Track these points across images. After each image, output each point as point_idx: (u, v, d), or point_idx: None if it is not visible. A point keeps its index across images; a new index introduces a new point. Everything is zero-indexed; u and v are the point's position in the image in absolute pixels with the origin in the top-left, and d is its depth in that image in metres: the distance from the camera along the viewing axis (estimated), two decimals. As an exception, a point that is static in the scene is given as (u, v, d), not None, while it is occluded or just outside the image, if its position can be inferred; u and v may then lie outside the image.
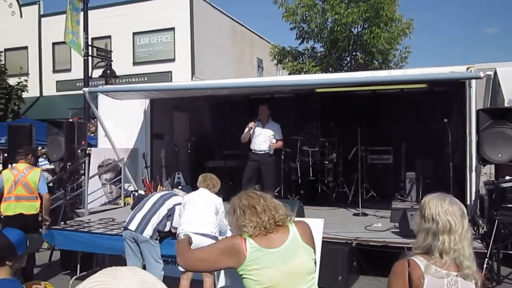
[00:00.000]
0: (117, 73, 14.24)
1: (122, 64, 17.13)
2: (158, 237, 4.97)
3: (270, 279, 2.12)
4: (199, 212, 4.75)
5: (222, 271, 2.84)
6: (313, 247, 2.25)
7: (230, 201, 2.38)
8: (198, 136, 10.30)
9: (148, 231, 4.85)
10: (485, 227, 5.87)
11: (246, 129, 7.60)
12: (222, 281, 2.96)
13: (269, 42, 21.57)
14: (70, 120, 10.90)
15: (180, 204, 5.04)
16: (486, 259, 5.14)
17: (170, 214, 5.03)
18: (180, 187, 5.80)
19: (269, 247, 2.15)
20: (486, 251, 5.19)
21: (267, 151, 7.58)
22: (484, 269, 4.85)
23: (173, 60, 18.94)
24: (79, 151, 7.94)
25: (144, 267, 5.01)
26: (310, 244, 2.23)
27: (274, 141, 7.65)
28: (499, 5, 66.16)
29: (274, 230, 2.20)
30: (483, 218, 6.34)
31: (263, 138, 7.58)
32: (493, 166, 6.60)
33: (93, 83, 13.87)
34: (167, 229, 5.06)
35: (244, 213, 2.22)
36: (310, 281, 2.20)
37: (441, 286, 1.94)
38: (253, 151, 7.66)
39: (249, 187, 7.58)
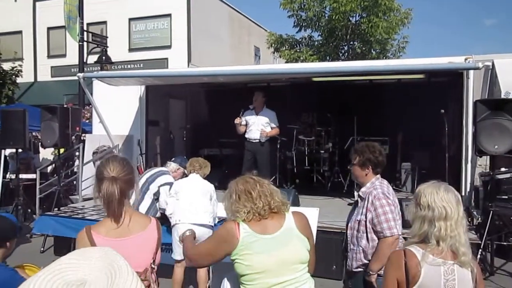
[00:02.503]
0: (113, 59, 14.10)
1: (117, 50, 16.96)
2: None
3: (261, 265, 2.12)
4: (196, 201, 4.64)
5: None
6: (308, 238, 2.24)
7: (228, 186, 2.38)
8: (194, 124, 10.24)
9: None
10: (479, 218, 5.89)
11: (236, 123, 7.53)
12: (216, 268, 2.94)
13: (266, 30, 21.41)
14: (65, 106, 10.79)
15: (167, 184, 4.90)
16: (480, 250, 5.16)
17: (157, 198, 4.92)
18: (173, 159, 5.59)
19: (262, 233, 2.16)
20: (480, 242, 5.21)
21: (258, 140, 7.52)
22: (478, 260, 4.87)
23: (169, 47, 18.76)
24: (73, 137, 7.87)
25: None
26: (305, 234, 2.22)
27: (269, 128, 7.59)
28: (497, -4, 66.03)
29: (269, 217, 2.20)
30: (478, 209, 6.36)
31: (257, 126, 7.53)
32: (488, 157, 6.61)
33: (88, 69, 13.75)
34: (158, 214, 5.00)
35: (239, 198, 2.22)
36: (302, 270, 2.20)
37: (438, 274, 1.93)
38: (247, 140, 7.62)
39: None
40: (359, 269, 2.97)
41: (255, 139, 7.54)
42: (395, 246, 2.83)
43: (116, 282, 0.78)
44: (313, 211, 2.57)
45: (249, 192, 2.20)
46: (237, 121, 7.48)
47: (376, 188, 2.99)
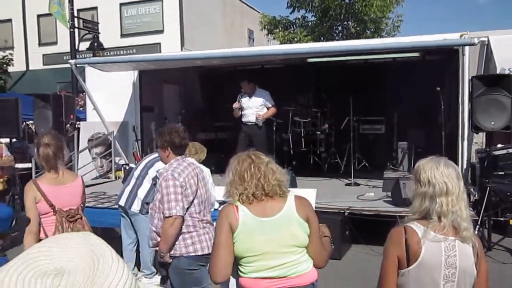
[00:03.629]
0: (105, 46, 13.95)
1: (109, 36, 16.74)
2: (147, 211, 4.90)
3: (260, 248, 2.12)
4: None
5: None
6: (310, 223, 2.20)
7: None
8: (189, 109, 10.17)
9: (136, 206, 4.77)
10: (476, 195, 5.91)
11: (234, 107, 7.49)
12: None
13: (259, 12, 21.17)
14: (58, 93, 10.68)
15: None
16: (478, 226, 5.20)
17: (155, 183, 4.91)
18: None
19: (262, 215, 2.14)
20: (477, 218, 5.24)
21: (255, 123, 7.49)
22: (475, 233, 4.90)
23: (161, 31, 18.55)
24: (68, 125, 7.80)
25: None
26: (305, 219, 2.18)
27: (265, 109, 7.54)
28: (491, -28, 65.47)
29: (269, 199, 2.17)
30: (475, 186, 6.39)
31: (252, 110, 7.49)
32: (483, 135, 6.61)
33: (80, 56, 13.58)
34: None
35: (234, 180, 2.21)
36: (301, 253, 2.19)
37: (439, 250, 1.91)
38: (243, 123, 7.59)
39: None
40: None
41: (250, 122, 7.51)
42: (176, 227, 2.90)
43: (99, 269, 0.70)
44: (310, 192, 2.55)
45: (242, 176, 2.18)
46: (235, 105, 7.43)
47: (167, 170, 3.07)
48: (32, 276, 0.68)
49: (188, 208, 3.01)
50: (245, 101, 7.49)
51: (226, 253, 2.14)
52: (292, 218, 2.16)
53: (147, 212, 4.91)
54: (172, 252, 2.97)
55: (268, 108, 7.56)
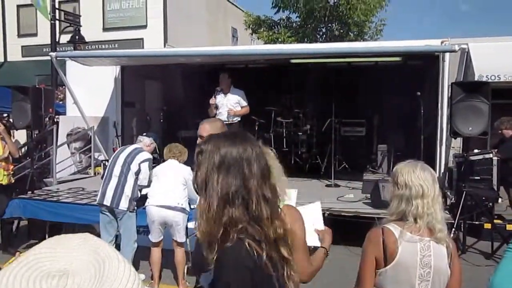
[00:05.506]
0: (86, 39, 13.72)
1: (91, 29, 16.48)
2: (135, 207, 4.86)
3: None
4: (166, 184, 4.69)
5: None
6: (292, 233, 2.06)
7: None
8: (171, 106, 10.10)
9: (124, 204, 4.73)
10: (453, 199, 6.03)
11: (211, 104, 7.41)
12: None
13: (243, 11, 21.15)
14: (37, 87, 10.48)
15: (146, 160, 4.88)
16: (453, 229, 5.30)
17: (137, 177, 4.86)
18: (144, 134, 5.47)
19: None
20: (453, 221, 5.35)
21: (229, 122, 7.42)
22: (450, 235, 5.00)
23: (145, 26, 18.34)
24: (46, 119, 7.67)
25: (116, 238, 4.94)
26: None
27: (239, 108, 7.48)
28: (472, -19, 66.91)
29: None
30: (451, 189, 6.52)
31: (227, 108, 7.41)
32: (461, 140, 6.75)
33: (60, 49, 13.36)
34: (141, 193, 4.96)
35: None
36: None
37: (415, 251, 1.97)
38: None
39: None
40: None
41: (225, 121, 7.43)
42: None
43: (106, 270, 0.69)
44: (316, 206, 2.47)
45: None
46: (212, 101, 7.36)
47: None
48: (37, 277, 0.67)
49: None
50: (220, 98, 7.40)
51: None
52: None
53: (134, 209, 4.86)
54: None
55: (242, 107, 7.50)
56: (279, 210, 1.97)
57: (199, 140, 3.07)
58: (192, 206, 4.74)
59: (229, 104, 7.38)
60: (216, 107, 7.41)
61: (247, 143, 1.29)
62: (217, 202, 1.22)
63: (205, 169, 1.25)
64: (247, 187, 1.23)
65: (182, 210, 4.64)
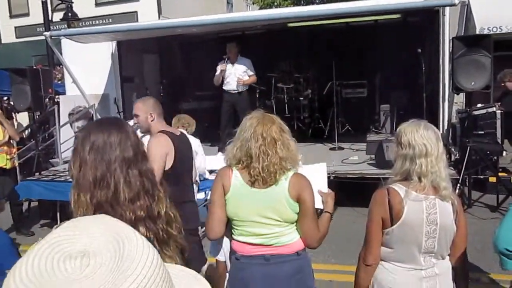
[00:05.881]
0: (79, 16, 13.49)
1: (83, 5, 16.18)
2: None
3: (245, 215, 2.16)
4: None
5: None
6: (302, 203, 2.14)
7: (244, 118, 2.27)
8: (170, 78, 10.03)
9: None
10: (457, 154, 6.05)
11: (217, 72, 7.37)
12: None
13: (237, -23, 20.67)
14: (34, 67, 10.40)
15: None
16: (459, 184, 5.34)
17: None
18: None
19: (252, 184, 2.14)
20: (458, 177, 5.38)
21: (237, 91, 7.43)
22: (457, 193, 5.05)
23: (137, -1, 18.01)
24: (46, 99, 7.64)
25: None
26: (295, 198, 2.13)
27: (247, 77, 7.48)
28: None
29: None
30: (455, 145, 6.52)
31: (234, 77, 7.41)
32: (463, 95, 6.70)
33: (54, 28, 13.13)
34: None
35: (240, 147, 2.16)
36: (286, 227, 2.17)
37: (421, 209, 1.99)
38: (226, 91, 7.52)
39: (227, 129, 7.52)
40: None
41: (233, 90, 7.45)
42: None
43: (126, 251, 0.70)
44: (321, 167, 2.49)
45: (249, 150, 2.12)
46: (221, 67, 7.30)
47: None
48: (60, 258, 0.69)
49: None
50: (227, 68, 7.40)
51: (219, 211, 2.19)
52: (281, 197, 2.12)
53: None
54: None
55: (249, 76, 7.50)
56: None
57: (134, 119, 3.16)
58: (201, 178, 4.78)
59: (237, 73, 7.38)
60: (223, 77, 7.39)
61: (113, 128, 1.36)
62: (88, 186, 1.31)
63: (78, 155, 1.34)
64: (110, 171, 1.30)
65: (195, 182, 4.67)
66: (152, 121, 3.18)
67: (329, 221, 2.30)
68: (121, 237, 0.73)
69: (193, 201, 3.37)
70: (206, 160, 4.93)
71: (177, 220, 1.42)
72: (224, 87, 7.51)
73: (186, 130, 4.84)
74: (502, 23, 8.24)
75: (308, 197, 2.15)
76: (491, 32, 8.06)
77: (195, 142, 4.78)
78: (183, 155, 3.17)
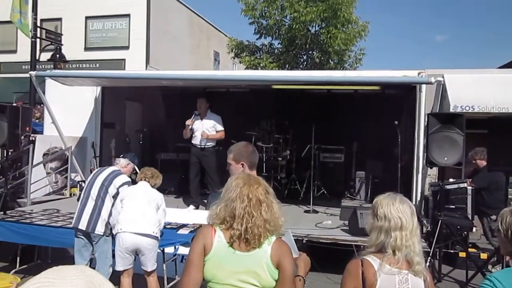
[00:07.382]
0: (67, 58, 13.64)
1: (72, 48, 16.42)
2: (111, 232, 4.73)
3: (223, 277, 2.09)
4: (140, 210, 4.50)
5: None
6: (282, 270, 2.10)
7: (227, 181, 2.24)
8: (151, 128, 10.06)
9: (100, 228, 4.63)
10: (429, 227, 6.12)
11: (187, 125, 7.41)
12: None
13: (226, 35, 21.39)
14: (14, 104, 10.30)
15: (125, 183, 4.76)
16: (429, 258, 5.36)
17: (114, 202, 4.75)
18: (121, 155, 5.33)
19: (235, 246, 2.09)
20: (429, 250, 5.41)
21: (203, 146, 7.43)
22: (427, 267, 5.05)
23: (127, 47, 18.36)
24: (22, 137, 7.52)
25: (91, 262, 4.82)
26: (275, 264, 2.09)
27: (214, 132, 7.47)
28: (447, 15, 69.69)
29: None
30: (427, 218, 6.62)
31: (201, 132, 7.42)
32: (436, 169, 6.89)
33: (40, 67, 13.20)
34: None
35: (225, 207, 2.13)
36: None
37: (394, 283, 2.00)
38: (193, 145, 7.51)
39: (195, 183, 7.45)
40: None
41: (199, 145, 7.44)
42: None
43: None
44: (287, 236, 2.50)
45: (234, 210, 2.10)
46: (188, 122, 7.36)
47: None
48: None
49: None
50: (196, 122, 7.42)
51: (195, 273, 2.10)
52: (262, 260, 2.09)
53: (109, 234, 4.75)
54: None
55: (217, 132, 7.51)
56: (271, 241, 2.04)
57: (228, 166, 3.03)
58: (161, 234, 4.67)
59: (204, 128, 7.38)
60: (192, 130, 7.42)
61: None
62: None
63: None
64: None
65: (156, 238, 4.54)
66: None
67: (303, 286, 2.27)
68: (94, 285, 0.79)
69: None
70: (166, 214, 4.83)
71: None
72: (192, 141, 7.51)
73: (149, 182, 4.70)
74: (474, 103, 8.64)
75: (288, 265, 2.11)
76: (464, 111, 8.42)
77: (158, 196, 4.67)
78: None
